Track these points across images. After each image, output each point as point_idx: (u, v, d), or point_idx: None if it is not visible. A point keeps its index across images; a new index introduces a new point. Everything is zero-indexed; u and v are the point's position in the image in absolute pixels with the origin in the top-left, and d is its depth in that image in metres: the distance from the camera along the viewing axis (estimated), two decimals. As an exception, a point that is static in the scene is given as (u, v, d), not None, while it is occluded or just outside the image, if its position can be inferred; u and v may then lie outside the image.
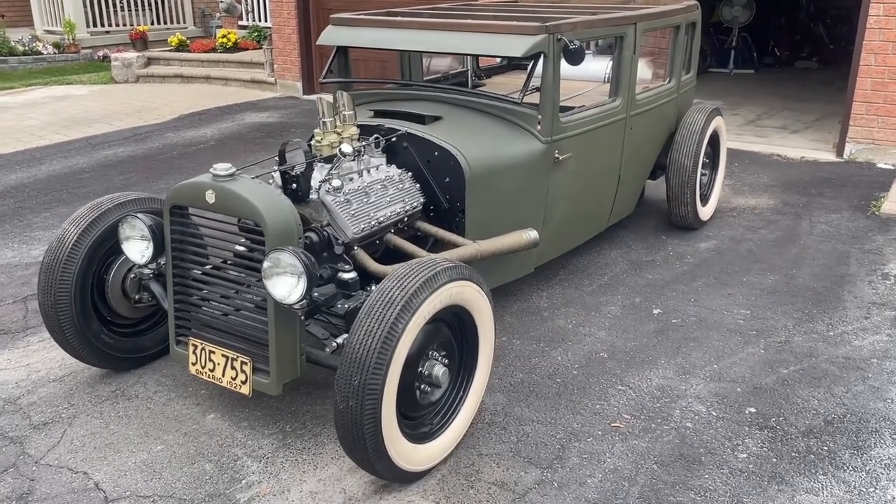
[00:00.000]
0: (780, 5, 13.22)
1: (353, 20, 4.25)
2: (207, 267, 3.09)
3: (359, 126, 3.83)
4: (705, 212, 5.38)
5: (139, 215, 3.16)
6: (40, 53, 13.80)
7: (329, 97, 3.60)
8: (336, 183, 3.28)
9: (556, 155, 3.95)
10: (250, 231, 2.93)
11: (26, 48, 13.76)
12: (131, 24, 15.10)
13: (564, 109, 4.53)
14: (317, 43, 4.25)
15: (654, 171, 5.33)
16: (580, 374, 3.60)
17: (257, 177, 3.05)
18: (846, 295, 4.34)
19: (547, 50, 3.74)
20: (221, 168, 2.92)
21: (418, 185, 3.71)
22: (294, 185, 3.27)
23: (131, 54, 12.29)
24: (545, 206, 4.03)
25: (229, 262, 3.06)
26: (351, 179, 3.46)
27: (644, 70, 5.69)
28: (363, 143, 3.60)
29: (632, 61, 4.40)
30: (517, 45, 3.68)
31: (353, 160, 3.50)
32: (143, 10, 15.66)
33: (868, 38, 6.73)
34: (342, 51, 4.37)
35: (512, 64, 6.03)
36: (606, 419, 3.25)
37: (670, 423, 3.22)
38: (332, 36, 4.23)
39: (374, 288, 3.30)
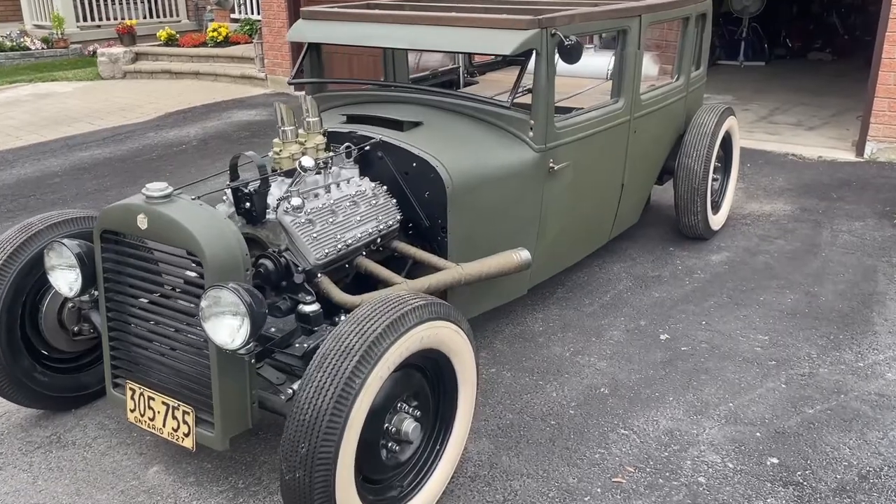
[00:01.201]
0: (792, -6, 12.73)
1: (326, 13, 3.83)
2: (143, 301, 2.68)
3: (329, 133, 3.41)
4: (717, 220, 4.95)
5: (65, 241, 2.74)
6: (28, 49, 13.40)
7: (302, 94, 3.16)
8: (296, 201, 2.86)
9: (551, 164, 3.53)
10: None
11: (14, 44, 13.37)
12: (123, 18, 14.67)
13: (563, 111, 4.11)
14: (286, 39, 3.82)
15: (661, 175, 4.90)
16: (578, 414, 3.18)
17: (199, 197, 2.63)
18: (875, 317, 3.90)
19: (539, 47, 3.31)
20: (155, 188, 2.50)
21: (394, 201, 3.29)
22: (248, 205, 2.85)
23: (118, 49, 11.88)
24: (539, 221, 3.60)
25: (171, 295, 2.64)
26: (316, 196, 3.04)
27: (650, 66, 5.25)
28: (331, 153, 3.18)
29: (636, 58, 3.96)
30: (506, 42, 3.25)
31: (319, 173, 3.09)
32: (136, 3, 15.22)
33: (891, 30, 6.26)
34: (314, 48, 3.95)
35: (508, 60, 5.60)
36: (607, 472, 2.83)
37: (680, 477, 2.80)
38: (301, 31, 3.80)
39: (343, 318, 2.91)
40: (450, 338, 2.50)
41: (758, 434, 3.03)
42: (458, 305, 3.42)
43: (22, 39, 13.59)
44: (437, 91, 3.77)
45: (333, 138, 3.41)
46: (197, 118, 8.97)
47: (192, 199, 2.58)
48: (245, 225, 2.90)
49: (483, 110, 3.52)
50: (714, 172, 4.91)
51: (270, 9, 10.32)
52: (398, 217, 3.29)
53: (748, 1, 11.58)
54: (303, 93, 3.16)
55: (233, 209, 2.90)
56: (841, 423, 3.07)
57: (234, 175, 2.91)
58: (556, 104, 4.57)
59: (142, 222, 2.50)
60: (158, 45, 12.29)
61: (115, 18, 14.71)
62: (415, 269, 3.33)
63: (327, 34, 3.73)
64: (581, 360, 3.59)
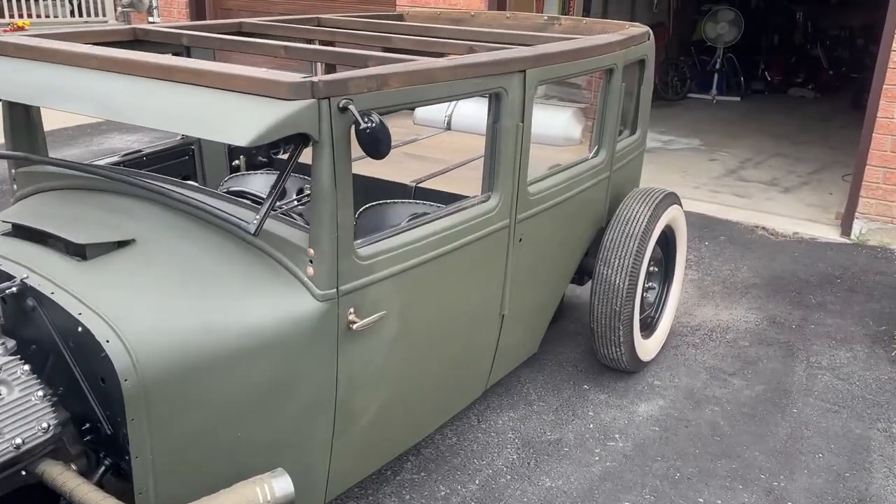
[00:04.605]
0: (773, 23, 11.49)
1: (19, 48, 2.38)
2: None
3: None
4: (649, 347, 3.55)
5: None
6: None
7: None
8: None
9: (351, 318, 2.12)
10: None
11: None
12: (48, 16, 13.28)
13: (439, 197, 2.81)
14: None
15: (580, 275, 3.53)
16: None
17: None
18: (871, 553, 2.54)
19: (315, 130, 1.90)
20: None
21: (42, 393, 1.87)
22: None
23: (4, 54, 10.32)
24: (333, 406, 2.19)
25: None
26: None
27: (570, 126, 3.89)
28: None
29: (518, 134, 2.57)
30: (244, 122, 1.83)
31: None
32: (61, 0, 13.80)
33: (890, 82, 4.94)
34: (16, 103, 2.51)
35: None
36: None
37: None
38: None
39: None
40: None
41: None
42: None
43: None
44: (162, 187, 2.27)
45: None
46: (62, 143, 7.48)
47: None
48: None
49: (236, 223, 2.09)
50: (649, 279, 3.54)
51: (170, 14, 8.88)
52: (48, 423, 1.85)
53: (724, 29, 10.32)
54: None
55: None
56: None
57: None
58: (430, 183, 3.21)
59: None
60: (55, 51, 10.76)
61: (40, 16, 13.25)
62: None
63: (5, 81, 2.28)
64: None
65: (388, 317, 2.24)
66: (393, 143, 3.85)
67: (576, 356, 3.68)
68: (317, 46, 2.56)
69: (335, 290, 2.06)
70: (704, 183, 6.61)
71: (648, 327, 3.58)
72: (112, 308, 1.82)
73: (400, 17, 4.22)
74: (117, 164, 2.95)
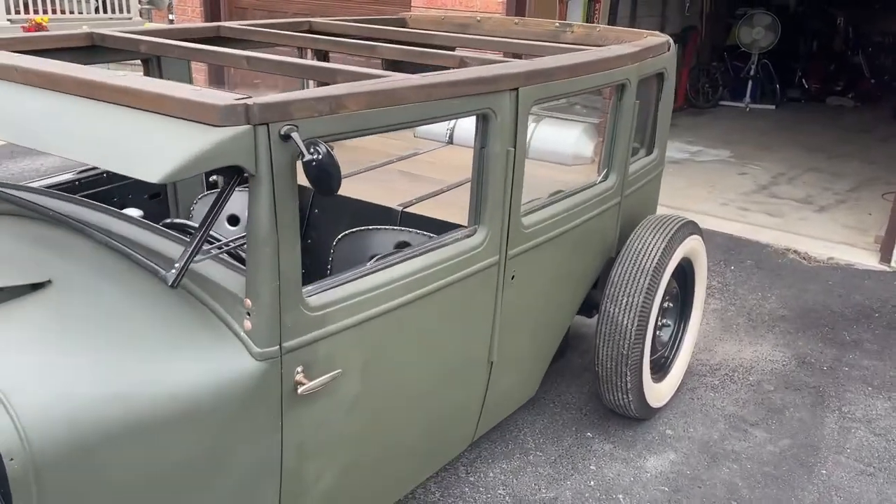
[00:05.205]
0: (812, 28, 10.98)
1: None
2: None
3: None
4: (661, 391, 3.20)
5: None
6: (-60, 42, 11.76)
7: None
8: None
9: (298, 378, 1.82)
10: None
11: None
12: (71, 12, 13.24)
13: (424, 224, 2.51)
14: None
15: (589, 308, 3.19)
16: None
17: None
18: None
19: (250, 163, 1.60)
20: None
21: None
22: None
23: (20, 50, 10.22)
24: (278, 479, 1.89)
25: None
26: None
27: (581, 143, 3.56)
28: None
29: (510, 162, 2.25)
30: (157, 153, 1.53)
31: None
32: (87, -5, 13.77)
33: (940, 97, 4.52)
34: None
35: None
36: None
37: None
38: None
39: None
40: None
41: None
42: None
43: (-64, 32, 11.98)
44: (76, 222, 1.97)
45: None
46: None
47: None
48: None
49: (150, 269, 1.79)
50: (663, 316, 3.19)
51: (184, 13, 8.68)
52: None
53: (759, 34, 9.85)
54: None
55: None
56: None
57: None
58: (419, 207, 2.90)
59: None
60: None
61: (64, 12, 13.20)
62: None
63: None
64: None
65: (346, 374, 1.93)
66: (388, 159, 3.55)
67: (581, 398, 3.34)
68: (280, 57, 2.26)
69: (277, 346, 1.75)
70: (733, 199, 6.20)
71: (662, 369, 3.23)
72: (3, 372, 1.54)
73: (402, 22, 3.91)
74: (72, 181, 2.69)
